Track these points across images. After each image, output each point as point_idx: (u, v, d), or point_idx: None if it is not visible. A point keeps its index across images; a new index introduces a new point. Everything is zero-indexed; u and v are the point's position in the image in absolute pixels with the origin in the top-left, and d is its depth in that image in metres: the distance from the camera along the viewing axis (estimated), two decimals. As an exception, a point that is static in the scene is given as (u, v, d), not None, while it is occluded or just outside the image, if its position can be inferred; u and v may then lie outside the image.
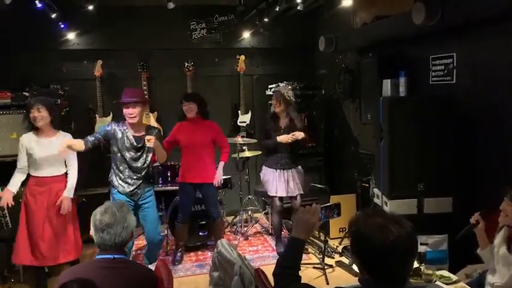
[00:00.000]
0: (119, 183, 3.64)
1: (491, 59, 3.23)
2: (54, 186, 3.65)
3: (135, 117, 3.56)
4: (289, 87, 4.80)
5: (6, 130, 4.41)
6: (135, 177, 3.65)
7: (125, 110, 3.57)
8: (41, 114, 3.55)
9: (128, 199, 3.63)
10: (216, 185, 4.32)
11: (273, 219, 4.67)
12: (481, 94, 3.33)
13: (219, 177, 4.31)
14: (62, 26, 5.09)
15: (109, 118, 5.22)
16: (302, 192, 4.49)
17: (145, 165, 3.69)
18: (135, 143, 3.62)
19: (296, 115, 4.48)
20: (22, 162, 3.63)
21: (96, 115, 5.22)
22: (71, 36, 5.27)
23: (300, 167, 4.54)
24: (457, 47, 3.54)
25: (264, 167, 4.53)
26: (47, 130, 3.63)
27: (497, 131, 3.23)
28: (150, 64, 5.45)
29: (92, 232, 2.06)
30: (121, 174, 3.64)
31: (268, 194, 4.50)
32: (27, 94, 4.54)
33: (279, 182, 4.39)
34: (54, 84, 4.82)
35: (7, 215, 4.17)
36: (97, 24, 5.31)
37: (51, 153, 3.59)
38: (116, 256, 2.03)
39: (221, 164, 4.36)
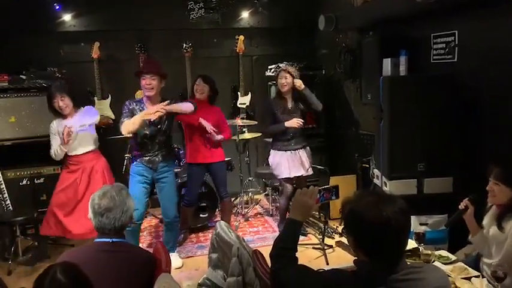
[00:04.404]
0: (139, 156, 3.72)
1: (493, 36, 3.16)
2: (88, 165, 3.86)
3: (153, 88, 3.59)
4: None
5: (4, 114, 4.39)
6: (154, 150, 3.70)
7: (142, 82, 3.60)
8: (65, 103, 3.74)
9: (146, 173, 3.71)
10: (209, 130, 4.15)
11: (280, 203, 4.56)
12: (483, 72, 3.27)
13: (215, 135, 4.19)
14: (57, 7, 5.02)
15: (108, 101, 5.19)
16: (311, 173, 4.43)
17: (164, 138, 3.74)
18: (155, 121, 3.62)
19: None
20: (54, 146, 3.79)
21: (95, 98, 5.18)
22: (67, 17, 5.19)
23: (308, 147, 4.45)
24: (458, 25, 3.47)
25: (272, 150, 4.38)
26: (71, 112, 3.82)
27: (499, 110, 3.18)
28: (148, 45, 5.37)
29: (90, 216, 2.06)
30: (142, 150, 3.70)
31: (280, 177, 4.35)
32: (24, 77, 4.51)
33: (292, 163, 4.28)
34: (52, 67, 4.78)
35: (7, 198, 4.21)
36: (93, 5, 5.23)
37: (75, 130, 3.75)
38: (114, 240, 2.04)
39: (222, 137, 4.27)
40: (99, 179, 3.87)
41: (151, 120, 3.52)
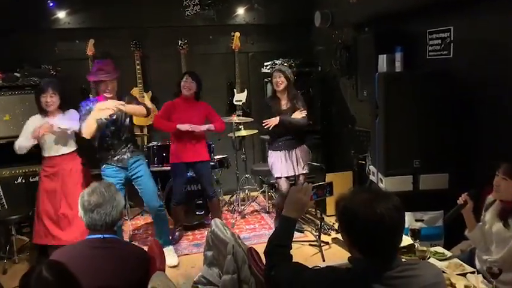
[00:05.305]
0: (107, 157, 3.72)
1: (489, 32, 3.16)
2: (66, 166, 3.76)
3: (112, 91, 3.64)
4: (286, 65, 4.69)
5: (-2, 112, 4.36)
6: (118, 147, 3.71)
7: (101, 86, 3.62)
8: (52, 100, 3.68)
9: (118, 174, 3.71)
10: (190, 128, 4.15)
11: (277, 201, 4.59)
12: (479, 68, 3.27)
13: (198, 127, 4.19)
14: (51, 4, 4.98)
15: (103, 98, 5.15)
16: (305, 171, 4.37)
17: (126, 134, 3.74)
18: (113, 117, 3.63)
19: (296, 93, 4.31)
20: (21, 138, 3.67)
21: (90, 95, 5.15)
22: (62, 14, 5.14)
23: (304, 145, 4.40)
24: (454, 21, 3.46)
25: (270, 151, 4.38)
26: (54, 111, 3.74)
27: (494, 106, 3.18)
28: (144, 43, 5.35)
29: (80, 214, 2.05)
30: (108, 149, 3.70)
31: (275, 176, 4.34)
32: (18, 75, 4.48)
33: (285, 163, 4.26)
34: (46, 65, 4.75)
35: (2, 197, 4.19)
36: (88, 1, 5.19)
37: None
38: (105, 236, 2.02)
39: (210, 125, 4.25)
40: (79, 179, 3.78)
41: (105, 118, 3.49)
